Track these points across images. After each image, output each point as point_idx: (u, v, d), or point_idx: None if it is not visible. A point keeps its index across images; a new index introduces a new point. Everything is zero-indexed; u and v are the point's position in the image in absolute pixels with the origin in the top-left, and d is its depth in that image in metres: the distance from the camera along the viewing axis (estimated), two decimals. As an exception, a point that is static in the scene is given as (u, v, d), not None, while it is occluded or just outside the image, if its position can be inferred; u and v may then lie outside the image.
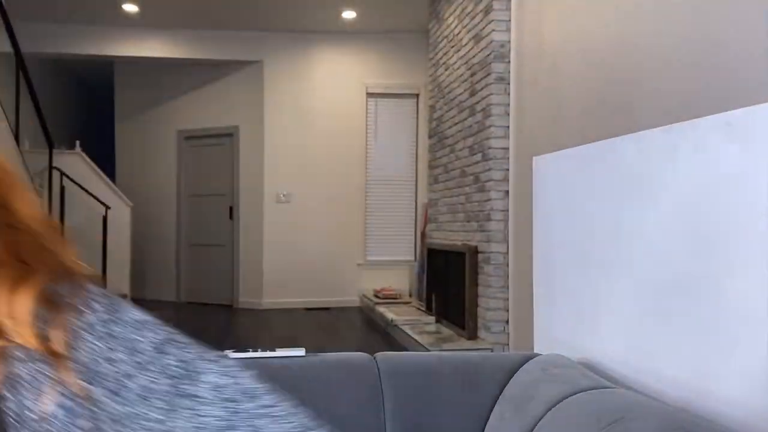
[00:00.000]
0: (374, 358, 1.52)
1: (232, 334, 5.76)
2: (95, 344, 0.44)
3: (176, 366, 0.46)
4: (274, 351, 1.58)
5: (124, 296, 7.19)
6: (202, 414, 0.45)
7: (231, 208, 7.70)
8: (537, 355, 1.52)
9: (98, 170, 7.18)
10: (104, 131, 8.63)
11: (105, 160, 7.82)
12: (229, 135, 7.72)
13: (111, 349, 0.44)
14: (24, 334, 0.42)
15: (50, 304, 0.44)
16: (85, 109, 9.88)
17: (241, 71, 7.60)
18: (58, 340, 0.43)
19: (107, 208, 6.83)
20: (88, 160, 7.25)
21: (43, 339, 0.42)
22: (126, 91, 8.24)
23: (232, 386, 0.47)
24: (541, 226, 1.95)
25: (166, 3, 6.48)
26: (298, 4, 6.45)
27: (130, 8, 6.59)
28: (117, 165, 8.24)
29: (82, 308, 0.45)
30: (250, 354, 1.59)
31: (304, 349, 1.55)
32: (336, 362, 1.53)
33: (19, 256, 0.44)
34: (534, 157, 1.97)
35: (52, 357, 0.42)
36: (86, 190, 6.62)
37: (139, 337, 0.46)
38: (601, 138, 1.62)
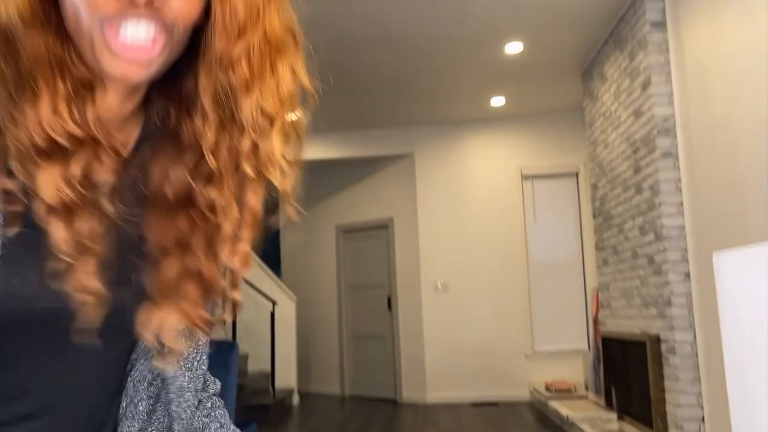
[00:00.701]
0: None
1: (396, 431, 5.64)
2: None
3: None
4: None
5: (290, 391, 7.39)
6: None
7: (389, 299, 7.75)
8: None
9: (265, 267, 7.58)
10: (270, 229, 9.16)
11: (271, 257, 8.26)
12: (384, 227, 7.88)
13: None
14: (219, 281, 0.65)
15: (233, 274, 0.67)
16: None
17: (393, 165, 7.82)
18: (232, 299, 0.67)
19: (274, 303, 7.13)
20: (256, 257, 7.68)
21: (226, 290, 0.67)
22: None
23: None
24: (732, 336, 1.68)
25: (321, 109, 6.88)
26: (446, 96, 6.58)
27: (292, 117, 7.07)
28: (282, 261, 8.66)
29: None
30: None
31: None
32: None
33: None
34: (714, 254, 1.72)
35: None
36: (255, 287, 6.98)
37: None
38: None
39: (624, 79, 4.77)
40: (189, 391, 0.73)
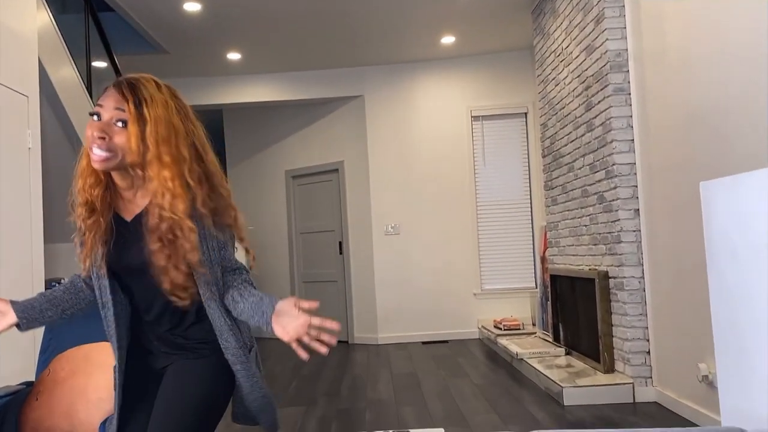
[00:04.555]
0: None
1: (350, 372, 5.65)
2: None
3: None
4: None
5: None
6: None
7: (340, 244, 7.68)
8: (739, 430, 1.24)
9: (213, 215, 7.34)
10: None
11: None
12: (334, 171, 7.74)
13: None
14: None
15: None
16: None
17: (342, 107, 7.63)
18: None
19: (223, 251, 6.96)
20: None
21: None
22: (235, 137, 8.49)
23: None
24: (719, 267, 1.65)
25: (267, 49, 6.61)
26: (396, 36, 6.39)
27: (234, 57, 6.77)
28: (230, 208, 8.43)
29: None
30: (387, 435, 1.59)
31: (442, 429, 1.47)
32: None
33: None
34: (701, 183, 1.69)
35: None
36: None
37: None
38: (757, 154, 1.34)
39: (576, 14, 4.68)
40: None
